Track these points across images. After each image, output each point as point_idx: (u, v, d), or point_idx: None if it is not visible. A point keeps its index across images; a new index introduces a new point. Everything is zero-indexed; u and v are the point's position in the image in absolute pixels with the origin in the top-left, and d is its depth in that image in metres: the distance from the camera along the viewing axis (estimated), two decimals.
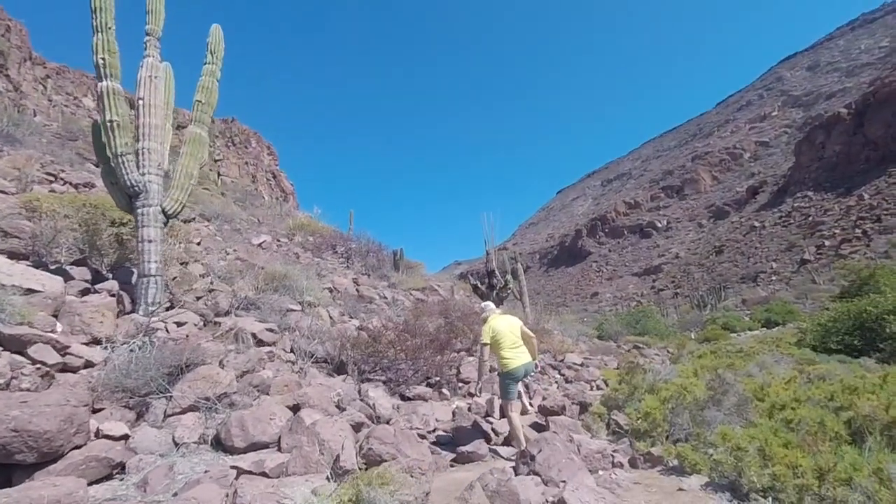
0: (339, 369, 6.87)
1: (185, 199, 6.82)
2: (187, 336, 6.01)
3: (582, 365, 10.96)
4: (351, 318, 10.03)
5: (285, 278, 9.71)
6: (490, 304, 5.83)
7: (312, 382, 5.82)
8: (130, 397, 4.38)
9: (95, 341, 5.51)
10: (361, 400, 5.56)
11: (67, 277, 6.59)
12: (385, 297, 12.60)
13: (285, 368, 6.27)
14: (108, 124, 6.14)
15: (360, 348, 6.85)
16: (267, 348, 6.57)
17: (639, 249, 79.39)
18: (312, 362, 6.91)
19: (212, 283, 8.86)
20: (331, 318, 9.01)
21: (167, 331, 6.05)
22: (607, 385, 9.28)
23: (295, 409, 4.89)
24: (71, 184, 13.92)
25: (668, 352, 18.22)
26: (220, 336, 6.77)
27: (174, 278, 8.23)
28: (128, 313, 6.34)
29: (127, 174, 6.30)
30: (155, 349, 4.96)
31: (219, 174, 48.61)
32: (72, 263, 7.17)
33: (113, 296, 6.58)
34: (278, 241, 17.01)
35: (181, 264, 9.53)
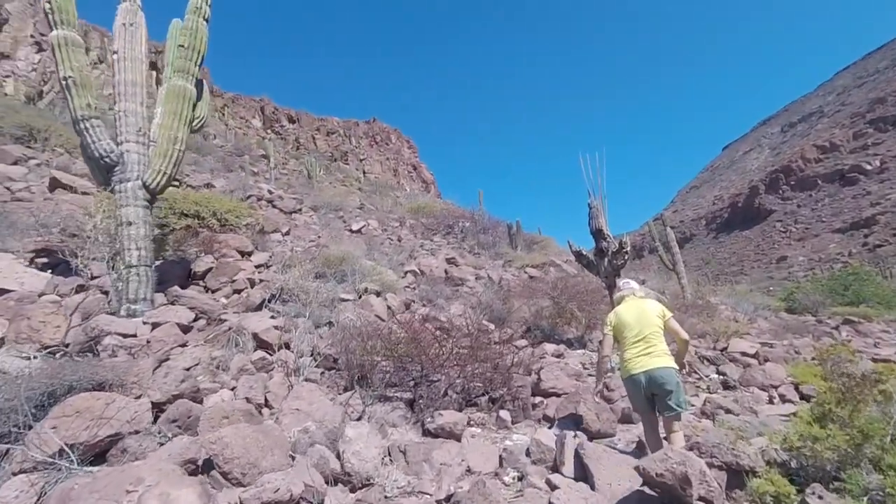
0: (361, 381, 4.84)
1: (170, 169, 5.46)
2: (147, 342, 4.58)
3: (756, 356, 7.16)
4: (424, 305, 8.00)
5: (343, 262, 8.09)
6: (629, 283, 4.06)
7: (286, 407, 3.88)
8: None
9: (45, 350, 4.40)
10: (333, 445, 3.40)
11: (69, 275, 5.80)
12: (485, 278, 10.29)
13: (276, 381, 4.47)
14: (63, 82, 4.99)
15: (372, 351, 4.71)
16: (259, 354, 4.85)
17: (840, 200, 62.02)
18: (325, 369, 5.02)
19: (257, 271, 7.64)
20: (389, 308, 7.08)
21: (134, 335, 4.71)
22: (801, 395, 5.62)
23: (198, 469, 2.98)
24: (191, 186, 14.57)
25: None
26: (214, 338, 5.31)
27: (209, 269, 7.16)
28: (112, 313, 5.24)
29: (93, 143, 5.12)
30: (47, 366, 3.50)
31: (364, 172, 51.32)
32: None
33: (104, 293, 5.58)
34: (385, 226, 15.92)
35: (241, 254, 8.59)
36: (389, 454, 3.52)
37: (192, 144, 28.13)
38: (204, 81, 6.18)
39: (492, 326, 7.21)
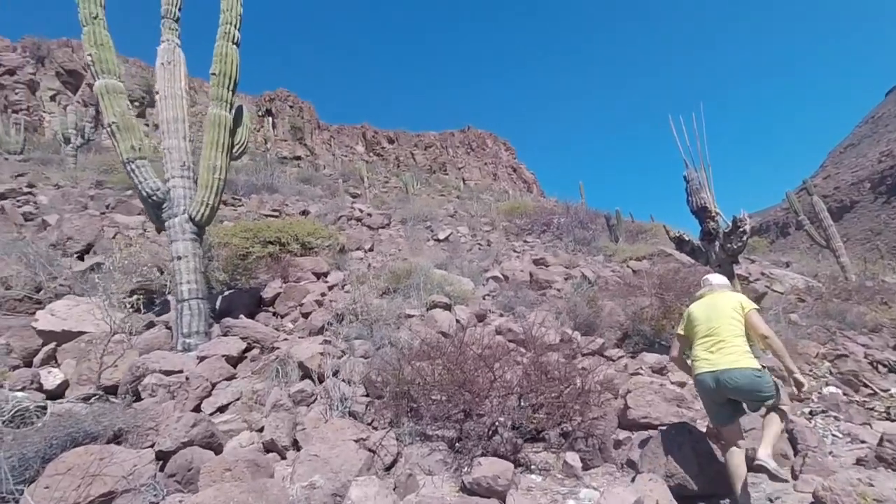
0: (410, 413, 4.18)
1: (213, 199, 5.38)
2: (186, 379, 4.40)
3: None
4: (502, 314, 7.15)
5: (410, 275, 7.57)
6: (713, 277, 3.48)
7: (304, 453, 3.35)
8: None
9: (103, 390, 4.45)
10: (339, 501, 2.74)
11: (158, 313, 6.02)
12: (577, 278, 9.09)
13: (312, 417, 4.00)
14: (109, 129, 5.15)
15: (416, 377, 4.01)
16: (300, 386, 4.44)
17: None
18: (376, 398, 4.45)
19: (329, 292, 7.43)
20: (458, 321, 6.37)
21: (180, 371, 4.59)
22: None
23: None
24: (287, 214, 15.37)
25: None
26: (261, 370, 5.05)
27: (278, 294, 7.10)
28: (172, 349, 5.25)
29: (140, 183, 5.21)
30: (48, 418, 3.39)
31: (463, 180, 51.49)
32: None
33: (168, 328, 5.66)
34: (474, 232, 15.29)
35: (316, 275, 8.53)
36: None
37: (303, 176, 30.50)
38: (244, 107, 6.11)
39: (577, 335, 6.13)
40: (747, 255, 14.23)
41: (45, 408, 3.65)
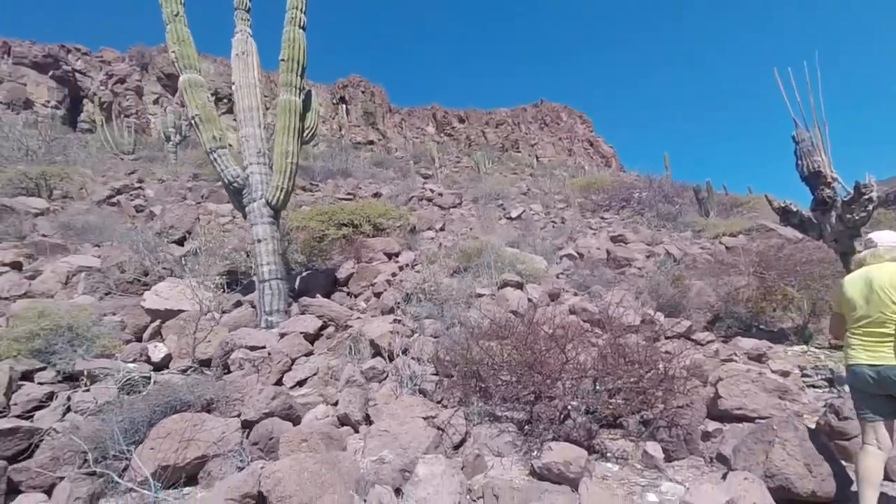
0: (480, 392, 4.13)
1: (286, 183, 5.59)
2: (269, 354, 4.66)
3: None
4: (576, 293, 6.85)
5: (480, 254, 7.46)
6: (881, 235, 2.72)
7: (374, 428, 3.40)
8: (88, 468, 3.16)
9: (198, 363, 4.85)
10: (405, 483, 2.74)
11: (244, 292, 6.46)
12: (660, 255, 8.49)
13: (383, 393, 4.09)
14: (193, 120, 5.50)
15: (484, 356, 3.92)
16: (372, 363, 4.54)
17: None
18: (445, 377, 4.44)
19: (400, 272, 7.53)
20: (529, 300, 6.19)
21: (263, 347, 4.87)
22: None
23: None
24: (361, 197, 15.83)
25: None
26: (336, 346, 5.22)
27: (351, 275, 7.32)
28: (255, 326, 5.59)
29: (222, 170, 5.53)
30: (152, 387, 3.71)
31: (536, 157, 50.10)
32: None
33: (253, 307, 6.02)
34: (548, 209, 14.81)
35: (388, 255, 8.70)
36: (481, 498, 2.74)
37: (375, 159, 31.31)
38: (312, 91, 6.26)
39: (660, 316, 5.72)
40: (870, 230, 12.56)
41: (149, 378, 4.03)
